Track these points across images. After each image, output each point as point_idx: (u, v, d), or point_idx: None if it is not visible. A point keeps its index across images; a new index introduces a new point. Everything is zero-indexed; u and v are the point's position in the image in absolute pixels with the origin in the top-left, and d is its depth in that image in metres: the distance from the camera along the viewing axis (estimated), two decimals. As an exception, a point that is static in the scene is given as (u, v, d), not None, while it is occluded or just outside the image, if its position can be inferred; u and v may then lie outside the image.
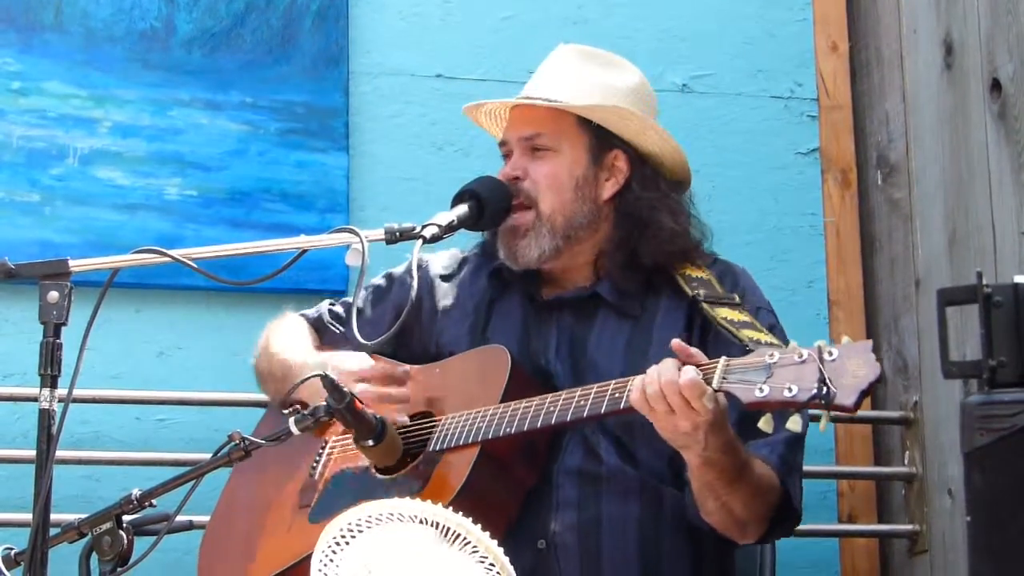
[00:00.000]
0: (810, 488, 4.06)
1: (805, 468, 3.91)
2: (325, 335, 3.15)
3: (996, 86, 3.74)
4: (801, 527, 3.93)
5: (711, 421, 2.49)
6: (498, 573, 2.19)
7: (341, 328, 3.13)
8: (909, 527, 4.02)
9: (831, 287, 4.25)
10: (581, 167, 2.93)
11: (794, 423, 2.36)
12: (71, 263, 2.33)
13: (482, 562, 2.19)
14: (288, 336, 3.12)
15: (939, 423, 3.94)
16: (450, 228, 2.80)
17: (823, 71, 4.35)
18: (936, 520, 3.95)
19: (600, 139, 2.94)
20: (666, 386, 2.47)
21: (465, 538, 2.19)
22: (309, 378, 2.68)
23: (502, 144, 3.02)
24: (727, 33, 4.32)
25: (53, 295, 2.30)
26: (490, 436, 2.72)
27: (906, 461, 4.06)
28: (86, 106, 3.90)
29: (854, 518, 4.15)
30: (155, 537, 2.44)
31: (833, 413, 2.35)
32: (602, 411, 2.62)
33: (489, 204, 2.89)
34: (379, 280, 3.17)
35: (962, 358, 3.40)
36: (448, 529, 2.20)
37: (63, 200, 3.84)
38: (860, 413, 4.07)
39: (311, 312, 3.21)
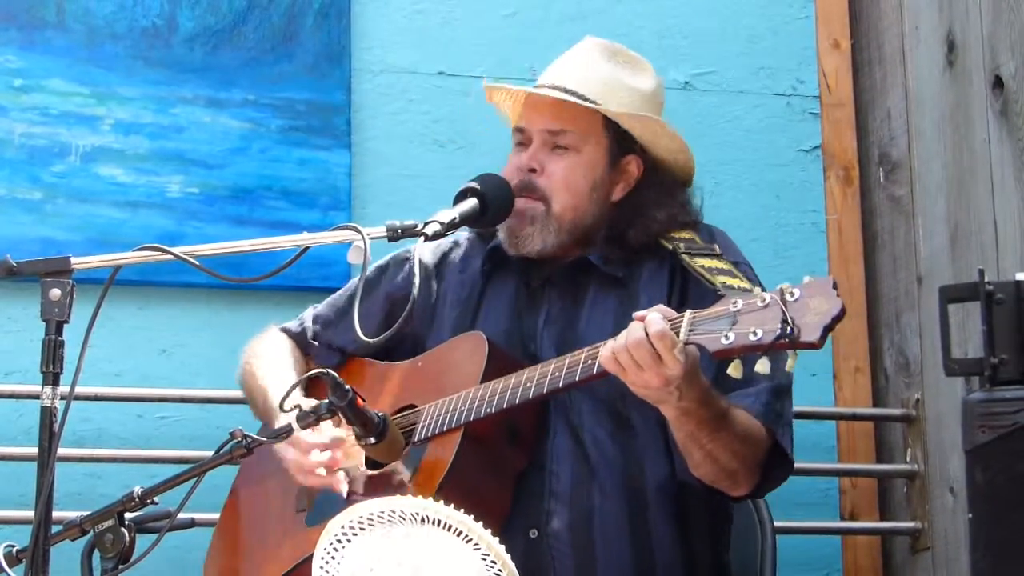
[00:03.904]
0: (812, 485, 4.09)
1: (807, 465, 3.95)
2: (311, 350, 3.14)
3: (998, 83, 3.74)
4: (803, 524, 3.96)
5: (681, 374, 2.50)
6: (500, 570, 2.19)
7: (327, 333, 3.12)
8: (911, 524, 4.03)
9: (833, 284, 4.24)
10: (599, 170, 2.93)
11: (762, 365, 2.37)
12: (73, 261, 2.33)
13: (484, 559, 2.19)
14: (271, 366, 3.10)
15: (941, 420, 3.94)
16: (452, 225, 2.79)
17: (825, 68, 4.35)
18: (938, 517, 3.95)
19: (620, 143, 2.94)
20: (633, 342, 2.49)
21: (466, 535, 2.20)
22: (309, 376, 2.68)
23: (519, 130, 2.99)
24: (729, 30, 4.32)
25: (55, 293, 2.30)
26: (471, 418, 2.72)
27: (908, 458, 4.06)
28: (88, 103, 3.90)
29: (856, 515, 4.15)
30: (157, 534, 2.44)
31: (801, 352, 2.37)
32: (576, 379, 2.63)
33: (492, 201, 2.88)
34: (369, 272, 3.15)
35: (964, 355, 3.42)
36: (449, 526, 2.20)
37: (65, 197, 3.84)
38: (862, 410, 4.14)
39: (294, 326, 3.18)
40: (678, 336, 2.47)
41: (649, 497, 2.82)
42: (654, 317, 2.49)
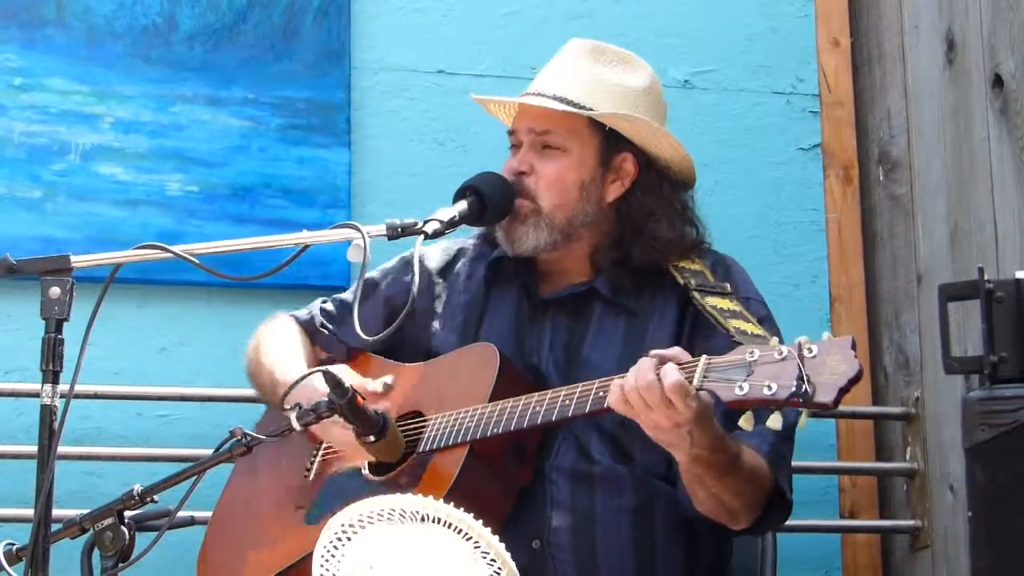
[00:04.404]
0: (811, 484, 4.09)
1: (807, 463, 3.96)
2: (317, 338, 3.14)
3: (998, 82, 3.74)
4: (802, 523, 3.96)
5: (693, 419, 2.48)
6: (499, 568, 2.19)
7: (332, 327, 3.12)
8: (911, 523, 4.03)
9: (833, 283, 4.25)
10: (588, 169, 2.92)
11: (774, 421, 2.35)
12: (73, 259, 2.33)
13: (484, 557, 2.19)
14: (279, 345, 3.09)
15: (940, 419, 3.94)
16: (452, 224, 2.79)
17: (825, 67, 4.35)
18: (938, 515, 3.95)
19: (610, 141, 2.93)
20: (644, 385, 2.47)
21: (467, 533, 2.20)
22: (309, 374, 2.68)
23: (511, 133, 3.01)
24: (729, 29, 4.32)
25: (55, 291, 2.30)
26: (478, 436, 2.72)
27: (907, 457, 4.06)
28: (88, 102, 3.90)
29: (855, 514, 4.15)
30: (156, 533, 2.44)
31: (813, 410, 2.35)
32: (586, 410, 2.62)
33: (491, 200, 2.88)
34: (373, 274, 3.15)
35: (963, 354, 3.42)
36: (450, 525, 2.20)
37: (65, 196, 3.84)
38: (861, 409, 4.14)
39: (303, 314, 3.19)
40: (692, 381, 2.45)
41: (654, 507, 2.82)
42: (670, 368, 2.47)
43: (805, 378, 2.31)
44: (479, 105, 3.16)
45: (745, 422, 2.39)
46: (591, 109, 2.90)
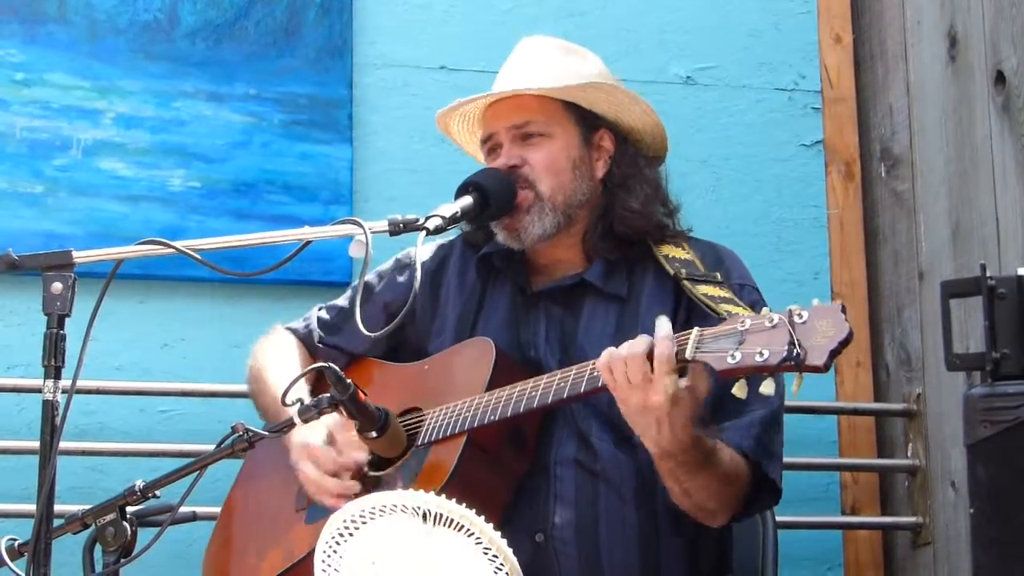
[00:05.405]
0: (813, 480, 4.09)
1: (809, 460, 3.97)
2: (319, 354, 3.14)
3: (1000, 79, 3.74)
4: (804, 519, 3.97)
5: (662, 406, 2.49)
6: (501, 564, 2.19)
7: (333, 339, 3.12)
8: (912, 519, 4.03)
9: (835, 279, 4.25)
10: (575, 148, 2.96)
11: (767, 386, 2.37)
12: (75, 254, 2.33)
13: (485, 553, 2.19)
14: (278, 363, 3.10)
15: (942, 415, 3.95)
16: (454, 220, 2.79)
17: (827, 63, 4.35)
18: (939, 512, 3.96)
19: (586, 120, 2.97)
20: (630, 355, 2.49)
21: (468, 529, 2.20)
22: (311, 370, 2.68)
23: (486, 140, 3.02)
24: (731, 25, 4.32)
25: (57, 286, 2.29)
26: (475, 425, 2.73)
27: (909, 453, 4.06)
28: (90, 97, 3.90)
29: (857, 510, 4.15)
30: (158, 528, 2.44)
31: (806, 374, 2.36)
32: (581, 391, 2.63)
33: (493, 195, 2.88)
34: (369, 277, 3.15)
35: (965, 350, 3.42)
36: (451, 520, 2.20)
37: (66, 191, 3.84)
38: (863, 405, 4.14)
39: (301, 327, 3.18)
40: (685, 352, 2.47)
41: (656, 501, 2.82)
42: (660, 337, 2.49)
43: (796, 343, 2.33)
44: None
45: (739, 390, 2.40)
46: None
